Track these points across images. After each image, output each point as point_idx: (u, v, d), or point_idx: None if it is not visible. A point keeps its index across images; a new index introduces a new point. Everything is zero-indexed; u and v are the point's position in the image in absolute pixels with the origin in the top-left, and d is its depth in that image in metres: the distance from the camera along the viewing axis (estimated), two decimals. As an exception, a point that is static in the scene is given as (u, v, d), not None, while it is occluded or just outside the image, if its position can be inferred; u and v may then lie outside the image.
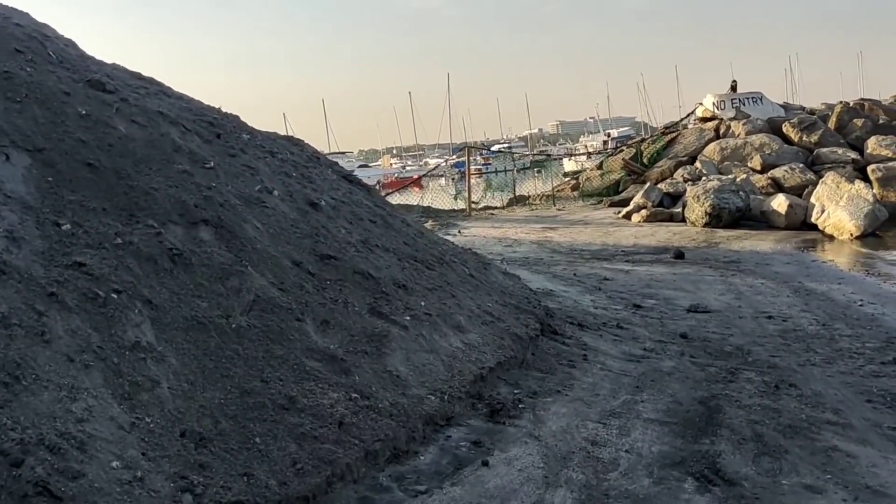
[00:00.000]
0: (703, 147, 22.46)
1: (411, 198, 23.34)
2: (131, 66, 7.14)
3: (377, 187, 28.00)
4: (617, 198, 21.63)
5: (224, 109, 7.61)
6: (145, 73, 7.21)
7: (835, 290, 10.32)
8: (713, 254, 13.73)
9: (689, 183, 19.46)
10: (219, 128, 6.58)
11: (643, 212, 18.40)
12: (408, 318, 5.37)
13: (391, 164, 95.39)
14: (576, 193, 23.86)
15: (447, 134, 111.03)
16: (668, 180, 20.84)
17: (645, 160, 23.34)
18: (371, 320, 5.16)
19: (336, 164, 8.40)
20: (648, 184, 20.07)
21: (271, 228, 5.58)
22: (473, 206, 21.34)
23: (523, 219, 19.49)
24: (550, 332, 6.70)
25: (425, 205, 21.33)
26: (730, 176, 18.91)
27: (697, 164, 21.46)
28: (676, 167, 21.73)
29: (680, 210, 18.13)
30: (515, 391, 5.30)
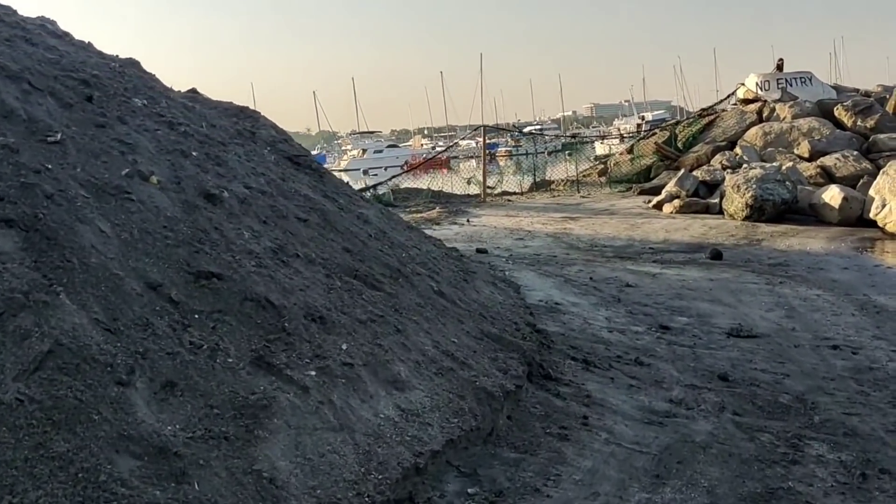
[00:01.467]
0: (745, 131, 20.17)
1: (427, 181, 21.46)
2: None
3: (404, 167, 26.21)
4: (647, 185, 19.49)
5: (122, 57, 5.81)
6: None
7: (911, 308, 8.28)
8: (756, 254, 11.67)
9: (729, 171, 17.26)
10: (96, 88, 4.76)
11: (676, 202, 16.29)
12: (312, 372, 3.54)
13: (422, 145, 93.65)
14: (603, 179, 21.75)
15: (479, 115, 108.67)
16: (705, 167, 18.65)
17: (679, 144, 21.12)
18: (250, 379, 3.34)
19: (286, 142, 6.56)
20: (683, 170, 17.89)
21: (127, 232, 3.77)
22: (489, 191, 19.37)
23: (542, 206, 17.51)
24: (542, 377, 4.82)
25: (437, 189, 19.40)
26: (774, 164, 16.69)
27: (737, 149, 19.22)
28: (714, 153, 19.50)
29: (717, 201, 15.98)
30: (470, 490, 3.45)
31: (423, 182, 21.17)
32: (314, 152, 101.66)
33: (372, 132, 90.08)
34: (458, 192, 19.49)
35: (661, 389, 5.19)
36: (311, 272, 4.28)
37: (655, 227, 14.16)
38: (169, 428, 2.96)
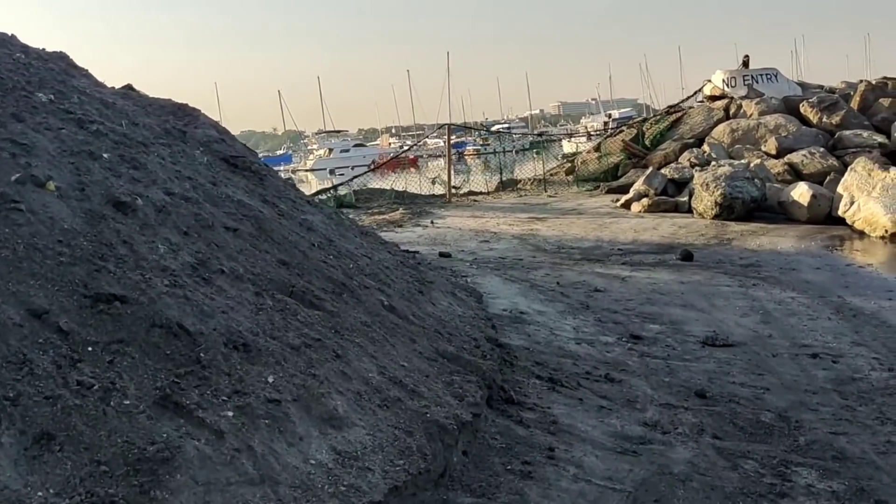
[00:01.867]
0: (712, 128, 19.89)
1: (393, 181, 20.88)
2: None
3: (370, 167, 25.60)
4: (615, 184, 19.12)
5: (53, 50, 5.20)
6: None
7: (888, 311, 7.92)
8: (727, 254, 11.31)
9: (697, 168, 16.93)
10: (-7, 82, 4.16)
11: (644, 200, 15.92)
12: (230, 412, 2.99)
13: (390, 144, 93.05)
14: (570, 178, 21.36)
15: (446, 114, 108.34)
16: (673, 165, 18.33)
17: (647, 142, 20.78)
18: (151, 425, 2.79)
19: (224, 142, 5.96)
20: (651, 169, 17.52)
21: (9, 249, 3.19)
22: (455, 191, 18.84)
23: (509, 207, 17.04)
24: (504, 401, 4.31)
25: (401, 189, 18.80)
26: (742, 161, 16.43)
27: (705, 146, 18.92)
28: (682, 150, 19.20)
29: (686, 199, 15.65)
30: (416, 549, 2.94)
31: (390, 182, 20.61)
32: (279, 152, 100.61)
33: (339, 131, 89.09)
34: (424, 193, 18.95)
35: (635, 410, 4.71)
36: (237, 290, 3.73)
37: (624, 227, 13.76)
38: (40, 493, 2.40)
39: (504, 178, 21.20)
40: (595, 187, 19.63)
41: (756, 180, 14.79)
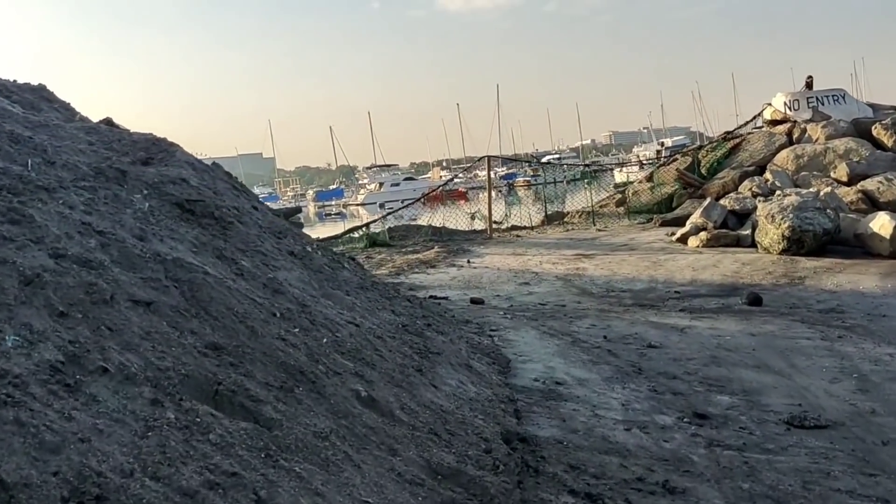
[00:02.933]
0: (774, 154, 18.26)
1: (441, 214, 19.74)
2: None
3: (421, 200, 24.64)
4: (669, 216, 17.64)
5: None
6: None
7: None
8: (801, 297, 9.77)
9: (760, 198, 15.35)
10: None
11: (702, 234, 14.40)
12: None
13: (441, 177, 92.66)
14: (621, 210, 19.92)
15: (497, 145, 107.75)
16: (733, 195, 16.74)
17: (703, 170, 19.27)
18: None
19: (185, 182, 4.84)
20: (708, 199, 15.96)
21: None
22: (496, 226, 17.57)
23: (554, 242, 15.69)
24: (518, 540, 3.03)
25: (439, 225, 17.60)
26: (811, 190, 14.78)
27: (767, 174, 17.31)
28: (741, 178, 17.60)
29: (748, 232, 14.07)
30: None
31: (441, 215, 19.51)
32: (332, 186, 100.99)
33: (389, 165, 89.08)
34: (463, 228, 17.73)
35: (707, 545, 3.35)
36: (121, 399, 2.55)
37: (681, 265, 12.29)
38: None
39: (550, 212, 19.83)
40: (648, 220, 18.17)
41: (828, 210, 13.17)
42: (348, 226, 19.57)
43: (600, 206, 20.51)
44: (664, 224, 17.18)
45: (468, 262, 13.10)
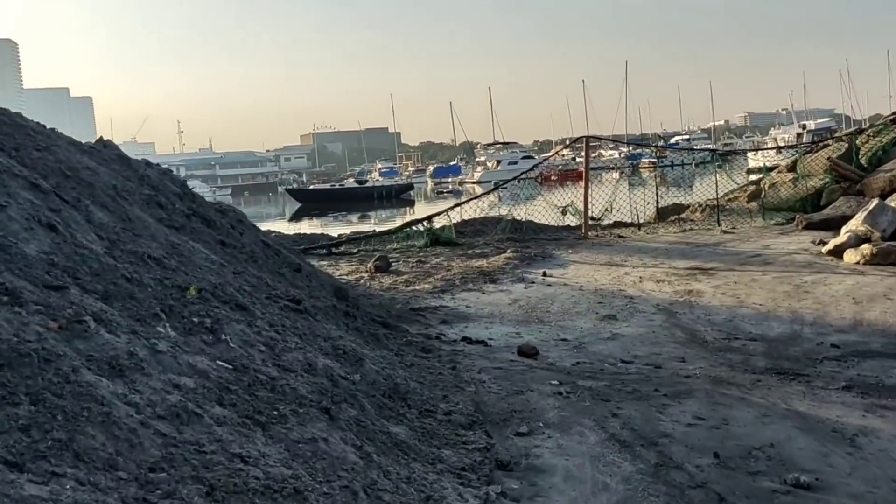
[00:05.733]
0: (963, 142, 13.97)
1: (559, 196, 16.62)
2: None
3: (538, 179, 21.62)
4: (817, 216, 13.73)
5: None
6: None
7: None
8: None
9: (948, 200, 11.34)
10: None
11: (865, 248, 10.54)
12: None
13: (563, 156, 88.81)
14: (753, 205, 16.06)
15: (622, 125, 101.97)
16: (906, 193, 12.71)
17: (863, 160, 15.13)
18: None
19: None
20: (875, 201, 11.97)
21: None
22: (594, 223, 14.19)
23: (664, 248, 12.24)
24: None
25: (525, 219, 14.36)
26: None
27: (955, 168, 13.12)
28: (917, 172, 13.50)
29: (934, 248, 10.19)
30: None
31: (559, 196, 16.43)
32: (452, 163, 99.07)
33: (509, 143, 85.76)
34: (553, 223, 14.50)
35: None
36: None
37: (836, 293, 8.66)
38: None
39: (664, 204, 16.22)
40: (788, 220, 14.30)
41: None
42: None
43: (728, 200, 16.69)
44: (809, 226, 13.31)
45: (543, 274, 9.95)
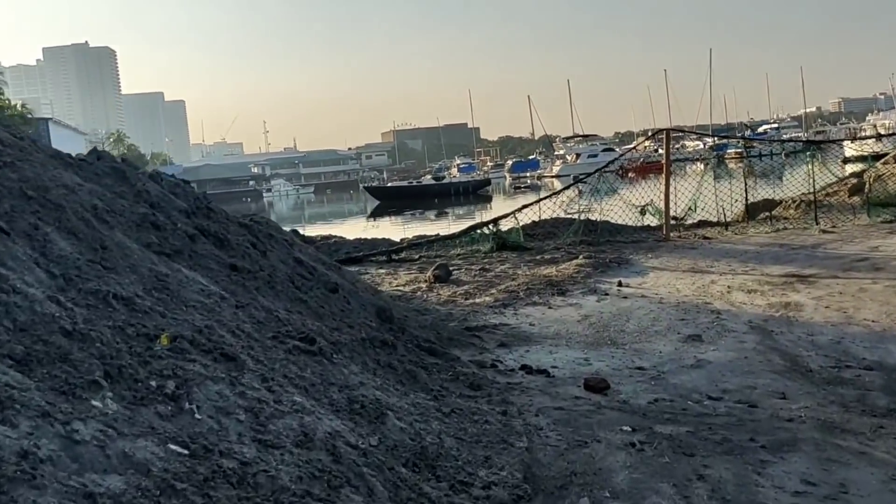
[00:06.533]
0: None
1: (640, 190, 15.45)
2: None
3: (618, 173, 20.59)
4: (933, 214, 12.23)
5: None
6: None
7: None
8: None
9: None
10: None
11: None
12: None
13: (645, 147, 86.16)
14: (857, 200, 14.52)
15: (707, 114, 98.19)
16: None
17: None
18: None
19: None
20: None
21: None
22: (675, 223, 13.01)
23: (754, 251, 11.00)
24: None
25: (600, 219, 13.29)
26: None
27: None
28: None
29: None
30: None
31: (639, 191, 15.29)
32: (531, 157, 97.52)
33: (588, 136, 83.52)
34: (631, 224, 13.39)
35: None
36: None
37: (965, 308, 7.37)
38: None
39: (753, 200, 14.82)
40: (897, 217, 12.78)
41: None
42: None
43: (826, 195, 15.17)
44: (924, 225, 11.81)
45: (619, 283, 8.96)
